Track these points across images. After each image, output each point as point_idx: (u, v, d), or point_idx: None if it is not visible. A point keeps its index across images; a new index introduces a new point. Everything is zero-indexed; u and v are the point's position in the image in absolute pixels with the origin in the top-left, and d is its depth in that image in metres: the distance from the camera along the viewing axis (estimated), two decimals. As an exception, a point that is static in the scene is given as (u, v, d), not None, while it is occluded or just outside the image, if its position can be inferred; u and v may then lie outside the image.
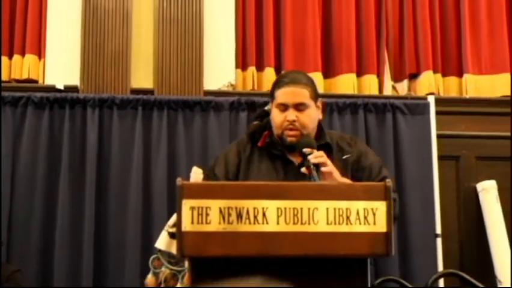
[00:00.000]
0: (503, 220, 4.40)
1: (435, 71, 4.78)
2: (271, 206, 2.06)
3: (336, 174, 2.51)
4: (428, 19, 4.81)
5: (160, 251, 3.03)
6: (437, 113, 4.46)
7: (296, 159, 2.64)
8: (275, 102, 2.71)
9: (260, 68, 4.66)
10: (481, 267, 4.42)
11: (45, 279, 4.02)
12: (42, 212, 4.08)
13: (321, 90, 4.55)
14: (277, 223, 2.05)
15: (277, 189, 2.12)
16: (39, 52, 4.51)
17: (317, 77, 4.59)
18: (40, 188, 4.10)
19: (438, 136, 4.44)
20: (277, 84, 2.75)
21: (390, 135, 4.39)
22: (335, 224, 2.07)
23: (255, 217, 2.05)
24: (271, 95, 2.76)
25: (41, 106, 4.20)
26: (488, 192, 4.49)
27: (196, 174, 2.97)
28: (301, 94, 2.69)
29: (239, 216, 2.05)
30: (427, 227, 4.27)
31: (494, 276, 4.32)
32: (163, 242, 2.97)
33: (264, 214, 2.05)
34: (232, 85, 4.60)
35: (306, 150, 2.53)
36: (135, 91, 4.41)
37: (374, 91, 4.70)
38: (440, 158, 4.40)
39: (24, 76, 4.47)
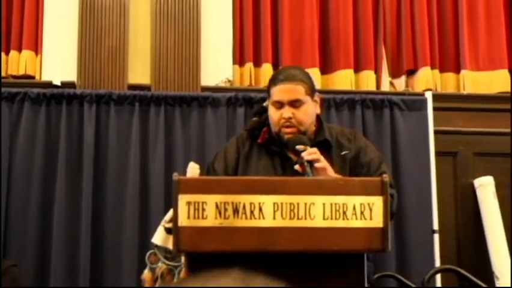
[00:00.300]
0: (501, 216, 4.41)
1: (433, 67, 4.78)
2: (267, 201, 2.06)
3: (330, 170, 2.52)
4: (426, 15, 4.81)
5: (156, 246, 3.03)
6: (435, 109, 4.46)
7: (294, 156, 2.65)
8: (271, 100, 2.72)
9: (258, 63, 4.66)
10: (478, 263, 4.42)
11: (42, 273, 4.02)
12: (39, 207, 4.07)
13: (318, 86, 4.55)
14: (274, 218, 2.05)
15: (273, 184, 2.12)
16: (36, 48, 4.50)
17: (315, 72, 4.58)
18: (37, 183, 4.09)
19: (436, 132, 4.43)
20: (272, 82, 2.75)
21: (388, 131, 4.39)
22: (332, 219, 2.07)
23: (252, 212, 2.05)
24: (267, 92, 2.77)
25: (38, 102, 4.19)
26: (485, 188, 4.49)
27: (193, 170, 2.96)
28: (297, 91, 2.69)
29: (235, 211, 2.05)
30: (424, 223, 4.27)
31: (491, 272, 4.33)
32: (159, 237, 2.96)
33: (260, 209, 2.05)
34: (229, 81, 4.60)
35: (299, 147, 2.54)
36: (132, 87, 4.40)
37: (372, 87, 4.70)
38: (437, 154, 4.39)
39: (21, 72, 4.46)
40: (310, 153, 2.51)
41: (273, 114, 2.70)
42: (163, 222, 3.01)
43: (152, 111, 4.25)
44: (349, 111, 4.39)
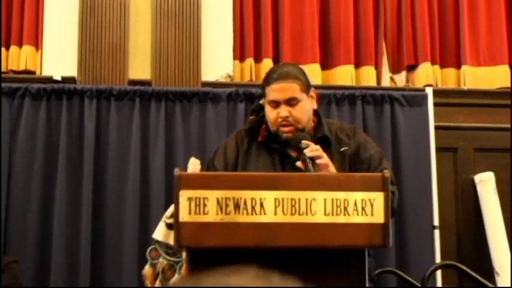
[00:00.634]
0: (501, 212, 4.41)
1: (433, 63, 4.78)
2: (268, 196, 2.06)
3: (332, 167, 2.51)
4: (427, 10, 4.80)
5: (157, 241, 3.03)
6: (435, 104, 4.45)
7: (294, 153, 2.65)
8: (267, 99, 2.70)
9: (258, 59, 4.65)
10: (479, 258, 4.43)
11: (42, 269, 4.02)
12: (40, 202, 4.07)
13: (319, 81, 4.55)
14: (275, 214, 2.05)
15: (274, 180, 2.11)
16: (37, 43, 4.50)
17: (315, 68, 4.59)
18: (37, 178, 4.09)
19: (436, 128, 4.43)
20: (266, 81, 2.73)
21: (388, 126, 4.39)
22: (333, 214, 2.07)
23: (253, 208, 2.05)
24: (262, 91, 2.75)
25: (39, 97, 4.19)
26: (486, 184, 4.49)
27: (194, 165, 2.96)
28: (291, 89, 2.67)
29: (236, 206, 2.05)
30: (425, 219, 4.27)
31: (492, 268, 4.33)
32: (160, 232, 2.96)
33: (261, 205, 2.05)
34: (230, 76, 4.59)
35: (303, 142, 2.53)
36: (133, 82, 4.40)
37: (372, 82, 4.70)
38: (438, 149, 4.39)
39: (22, 67, 4.46)
40: (313, 150, 2.50)
41: (270, 113, 2.69)
42: (164, 218, 3.01)
43: (153, 107, 4.25)
44: (349, 106, 4.39)
